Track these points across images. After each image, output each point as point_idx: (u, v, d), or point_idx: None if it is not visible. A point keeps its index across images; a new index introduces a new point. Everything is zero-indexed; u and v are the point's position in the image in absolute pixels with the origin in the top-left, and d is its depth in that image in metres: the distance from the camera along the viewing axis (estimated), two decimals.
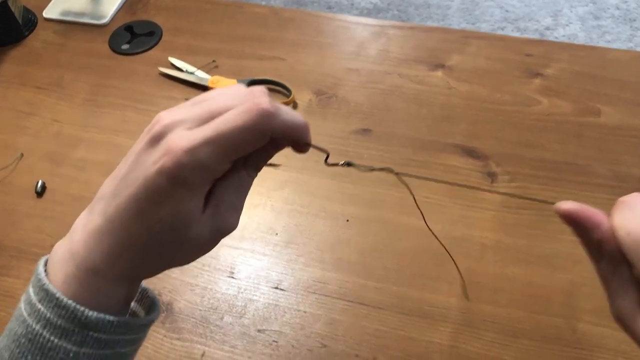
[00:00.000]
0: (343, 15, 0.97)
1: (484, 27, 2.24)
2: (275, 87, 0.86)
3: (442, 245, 0.60)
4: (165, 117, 0.33)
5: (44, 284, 0.34)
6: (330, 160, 0.39)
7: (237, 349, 0.62)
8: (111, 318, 0.34)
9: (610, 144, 0.76)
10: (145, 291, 0.42)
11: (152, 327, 0.65)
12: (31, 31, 1.00)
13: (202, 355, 0.62)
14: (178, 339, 0.64)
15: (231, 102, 0.33)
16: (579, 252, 0.66)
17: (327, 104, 0.84)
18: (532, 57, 0.88)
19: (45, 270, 0.35)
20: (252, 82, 0.86)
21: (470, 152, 0.77)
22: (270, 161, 0.38)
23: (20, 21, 0.98)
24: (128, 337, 0.37)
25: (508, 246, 0.68)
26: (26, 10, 1.01)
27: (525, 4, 2.33)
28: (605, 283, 0.34)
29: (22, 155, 0.82)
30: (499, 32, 2.14)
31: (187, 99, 0.88)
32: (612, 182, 0.72)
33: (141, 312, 0.42)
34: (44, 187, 0.78)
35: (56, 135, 0.84)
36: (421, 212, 0.49)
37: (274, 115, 0.32)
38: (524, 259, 0.67)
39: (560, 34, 2.21)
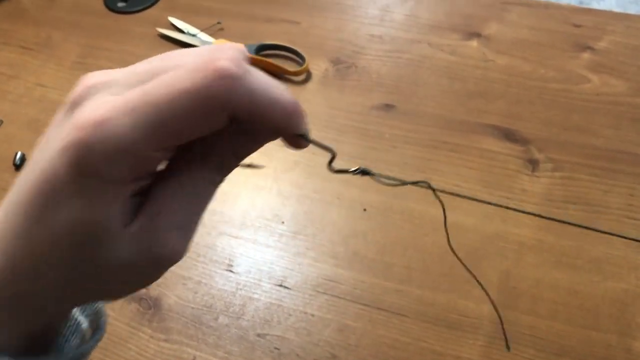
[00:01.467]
0: None
1: None
2: (287, 54, 0.77)
3: (467, 268, 0.51)
4: (91, 76, 0.23)
5: None
6: (336, 165, 0.27)
7: (233, 355, 0.54)
8: None
9: None
10: (98, 310, 0.32)
11: (137, 326, 0.57)
12: None
13: None
14: (166, 340, 0.55)
15: (186, 60, 0.22)
16: (635, 256, 0.57)
17: (346, 75, 0.74)
18: (581, 28, 0.77)
19: None
20: (260, 48, 0.76)
21: (509, 135, 0.67)
22: (247, 160, 0.26)
23: None
24: None
25: (551, 247, 0.58)
26: None
27: None
28: None
29: (1, 122, 0.73)
30: None
31: None
32: None
33: (88, 331, 0.32)
34: (23, 159, 0.69)
35: (40, 101, 0.75)
36: (447, 233, 0.38)
37: (238, 80, 0.21)
38: (569, 263, 0.57)
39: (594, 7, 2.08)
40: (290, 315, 0.56)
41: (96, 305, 0.32)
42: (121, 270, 0.23)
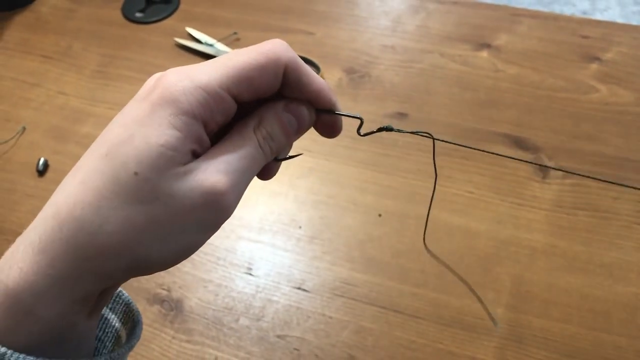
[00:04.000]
0: None
1: (522, 7, 2.12)
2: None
3: (469, 286, 0.52)
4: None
5: None
6: (363, 130, 0.33)
7: (254, 356, 0.55)
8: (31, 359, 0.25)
9: None
10: (129, 308, 0.34)
11: (160, 327, 0.59)
12: None
13: None
14: (188, 341, 0.57)
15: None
16: None
17: (359, 84, 0.76)
18: (589, 40, 0.79)
19: None
20: None
21: (520, 143, 0.69)
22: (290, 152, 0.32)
23: None
24: None
25: (562, 252, 0.60)
26: None
27: None
28: None
29: (24, 129, 0.75)
30: None
31: None
32: None
33: (124, 335, 0.33)
34: (46, 165, 0.71)
35: (61, 109, 0.77)
36: (431, 202, 0.40)
37: (291, 50, 0.28)
38: (580, 267, 0.59)
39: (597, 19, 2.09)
40: (308, 317, 0.57)
41: (133, 312, 0.34)
42: (181, 209, 0.26)
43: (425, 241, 0.61)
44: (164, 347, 0.57)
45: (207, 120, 0.27)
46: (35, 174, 0.70)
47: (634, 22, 2.08)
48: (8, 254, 0.26)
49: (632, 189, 0.64)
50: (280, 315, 0.58)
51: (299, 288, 0.59)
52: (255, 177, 0.30)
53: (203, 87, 0.26)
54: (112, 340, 0.32)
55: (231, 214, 0.28)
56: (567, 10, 2.13)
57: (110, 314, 0.33)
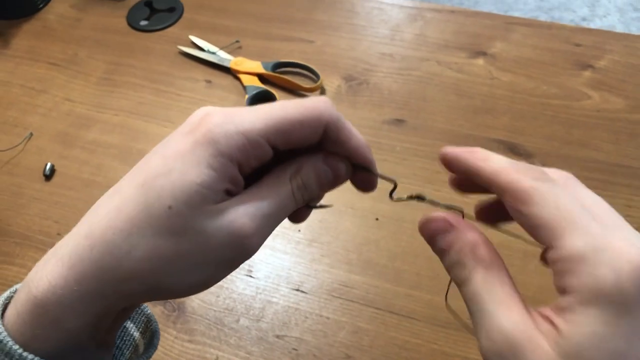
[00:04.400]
0: None
1: (517, 16, 2.14)
2: (302, 71, 0.80)
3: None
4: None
5: None
6: (396, 195, 0.34)
7: (253, 355, 0.57)
8: None
9: None
10: (149, 319, 0.36)
11: (163, 327, 0.60)
12: (46, 3, 0.95)
13: None
14: (190, 341, 0.59)
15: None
16: None
17: (358, 91, 0.78)
18: (582, 47, 0.81)
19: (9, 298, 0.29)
20: (277, 65, 0.80)
21: (513, 149, 0.70)
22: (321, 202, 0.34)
23: None
24: None
25: None
26: None
27: None
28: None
29: (31, 134, 0.77)
30: None
31: (207, 81, 0.82)
32: None
33: (141, 345, 0.35)
34: (52, 169, 0.73)
35: (68, 115, 0.79)
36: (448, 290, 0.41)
37: (334, 108, 0.30)
38: None
39: (597, 25, 2.11)
40: (307, 318, 0.59)
41: (152, 323, 0.36)
42: (207, 246, 0.27)
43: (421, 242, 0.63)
44: (166, 347, 0.58)
45: (243, 163, 0.28)
46: (42, 178, 0.73)
47: (633, 29, 2.10)
48: (40, 265, 0.28)
49: (620, 194, 0.65)
50: (280, 316, 0.60)
51: (297, 290, 0.61)
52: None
53: (244, 132, 0.27)
54: (130, 349, 0.34)
55: (252, 255, 0.29)
56: (567, 17, 2.15)
57: (130, 324, 0.35)
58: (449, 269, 0.30)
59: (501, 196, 0.28)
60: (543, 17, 2.14)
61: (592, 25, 2.12)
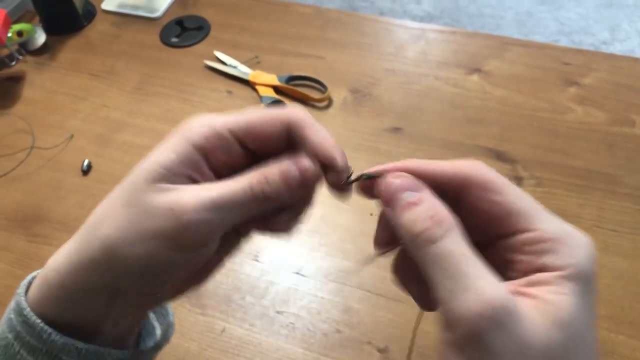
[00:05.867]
0: (385, 17, 0.99)
1: (537, 39, 2.21)
2: (312, 84, 0.89)
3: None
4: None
5: (17, 294, 0.33)
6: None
7: (256, 327, 0.65)
8: (79, 345, 0.31)
9: None
10: (166, 313, 0.40)
11: (179, 301, 0.69)
12: (89, 22, 1.07)
13: (223, 330, 0.65)
14: (201, 314, 0.67)
15: None
16: (601, 259, 0.66)
17: (362, 102, 0.86)
18: (570, 66, 0.88)
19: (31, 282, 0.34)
20: (290, 78, 0.89)
21: (500, 156, 0.78)
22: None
23: (80, 12, 1.04)
24: None
25: None
26: (87, 3, 1.08)
27: (582, 17, 2.29)
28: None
29: (72, 136, 0.87)
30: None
31: (228, 91, 0.91)
32: None
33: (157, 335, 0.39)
34: (89, 166, 0.83)
35: (104, 119, 0.90)
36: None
37: (301, 112, 0.32)
38: None
39: (617, 49, 2.16)
40: (304, 297, 0.67)
41: (169, 318, 0.40)
42: (148, 216, 0.30)
43: None
44: (181, 318, 0.67)
45: (209, 152, 0.31)
46: (80, 173, 0.82)
47: None
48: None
49: (595, 197, 0.72)
50: (280, 295, 0.68)
51: (297, 273, 0.69)
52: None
53: (210, 126, 0.31)
54: (153, 345, 0.38)
55: (195, 239, 0.30)
56: (587, 40, 2.20)
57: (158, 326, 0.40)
58: (414, 222, 0.28)
59: (467, 190, 0.30)
60: (563, 41, 2.20)
61: (611, 49, 2.17)
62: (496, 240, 0.30)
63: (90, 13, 1.08)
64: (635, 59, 0.88)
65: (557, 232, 0.28)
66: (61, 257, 0.32)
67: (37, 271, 0.34)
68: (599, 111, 0.81)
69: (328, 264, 0.70)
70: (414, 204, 0.29)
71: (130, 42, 1.02)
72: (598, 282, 0.28)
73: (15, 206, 0.79)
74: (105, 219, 0.31)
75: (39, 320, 0.31)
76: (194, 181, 0.31)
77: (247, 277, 0.69)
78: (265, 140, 0.32)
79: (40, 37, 1.01)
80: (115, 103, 0.92)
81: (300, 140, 0.32)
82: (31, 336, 0.31)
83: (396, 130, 0.82)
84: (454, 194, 0.30)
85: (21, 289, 0.33)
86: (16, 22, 1.06)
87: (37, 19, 1.08)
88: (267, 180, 0.31)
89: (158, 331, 0.39)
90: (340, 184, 0.33)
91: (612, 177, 0.74)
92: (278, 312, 0.66)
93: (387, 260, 0.69)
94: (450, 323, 0.26)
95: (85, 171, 0.82)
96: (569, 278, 0.26)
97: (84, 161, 0.83)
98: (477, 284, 0.26)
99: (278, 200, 0.31)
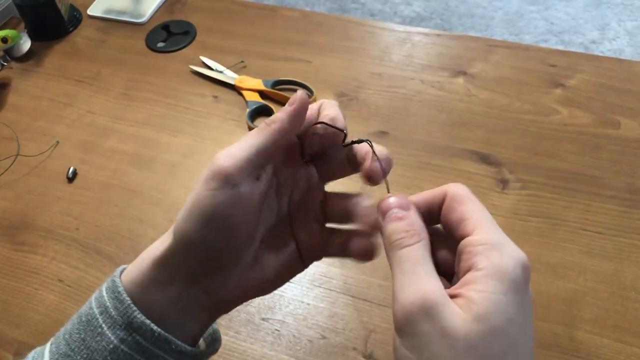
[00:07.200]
0: (371, 20, 0.99)
1: (527, 39, 2.21)
2: (299, 88, 0.89)
3: None
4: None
5: (114, 275, 0.37)
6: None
7: (241, 334, 0.65)
8: (154, 327, 0.35)
9: (627, 157, 0.76)
10: (214, 330, 0.44)
11: None
12: (75, 27, 1.06)
13: None
14: None
15: None
16: (585, 261, 0.66)
17: (348, 106, 0.86)
18: (555, 68, 0.88)
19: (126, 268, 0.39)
20: (276, 82, 0.89)
21: (485, 159, 0.78)
22: None
23: (65, 18, 1.04)
24: (169, 357, 0.37)
25: None
26: (72, 8, 1.07)
27: (572, 17, 2.29)
28: None
29: (57, 142, 0.87)
30: (542, 45, 2.11)
31: (214, 96, 0.91)
32: (626, 194, 0.72)
33: (203, 346, 0.42)
34: (75, 173, 0.82)
35: (90, 126, 0.89)
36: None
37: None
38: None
39: (606, 49, 2.17)
40: (290, 303, 0.67)
41: (216, 333, 0.44)
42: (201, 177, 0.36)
43: None
44: None
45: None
46: (65, 180, 0.82)
47: None
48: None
49: (580, 200, 0.72)
50: (266, 301, 0.67)
51: None
52: None
53: (242, 157, 0.36)
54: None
55: (233, 179, 0.35)
56: (577, 40, 2.20)
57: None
58: (393, 232, 0.34)
59: (444, 202, 0.36)
60: (553, 40, 2.21)
61: (601, 48, 2.17)
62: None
63: (76, 19, 1.07)
64: (620, 60, 0.89)
65: (493, 239, 0.32)
66: (151, 252, 0.37)
67: (125, 265, 0.39)
68: (584, 113, 0.82)
69: (313, 269, 0.69)
70: (399, 218, 0.35)
71: (116, 47, 1.02)
72: (534, 294, 0.31)
73: (0, 214, 0.79)
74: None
75: (128, 299, 0.36)
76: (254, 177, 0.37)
77: None
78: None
79: (26, 44, 1.01)
80: (101, 109, 0.92)
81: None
82: (117, 311, 0.35)
83: (382, 134, 0.82)
84: (438, 210, 0.36)
85: (117, 272, 0.38)
86: (1, 28, 1.06)
87: (22, 25, 1.08)
88: (272, 120, 0.37)
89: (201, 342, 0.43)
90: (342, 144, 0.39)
91: (597, 180, 0.74)
92: (263, 319, 0.66)
93: (372, 266, 0.69)
94: (394, 312, 0.32)
95: (71, 178, 0.82)
96: (492, 277, 0.30)
97: (69, 168, 0.83)
98: (420, 280, 0.31)
99: (284, 130, 0.37)
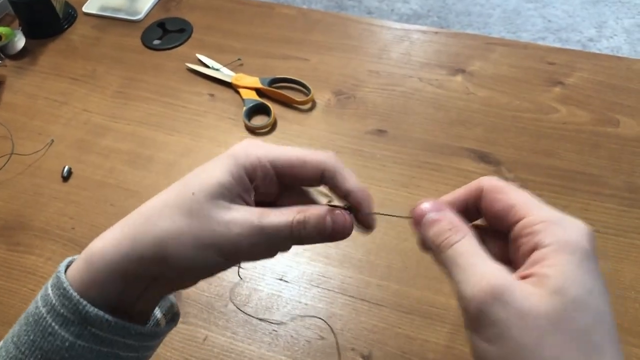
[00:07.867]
0: (368, 18, 0.99)
1: (525, 37, 2.21)
2: (296, 86, 0.88)
3: None
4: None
5: (58, 271, 0.37)
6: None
7: (238, 335, 0.64)
8: (109, 317, 0.35)
9: (627, 155, 0.75)
10: (172, 305, 0.43)
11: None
12: (70, 25, 1.05)
13: (204, 339, 0.64)
14: (183, 322, 0.66)
15: None
16: None
17: (345, 104, 0.86)
18: (554, 66, 0.87)
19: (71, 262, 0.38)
20: (273, 80, 0.88)
21: (484, 157, 0.77)
22: None
23: (60, 15, 1.03)
24: (128, 341, 0.37)
25: None
26: (67, 5, 1.06)
27: (569, 14, 2.29)
28: None
29: (52, 141, 0.86)
30: (540, 42, 2.11)
31: (211, 94, 0.90)
32: (626, 193, 0.72)
33: (163, 322, 0.42)
34: (70, 172, 0.82)
35: (85, 124, 0.88)
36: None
37: (334, 159, 0.38)
38: None
39: (603, 46, 2.16)
40: (287, 304, 0.66)
41: (174, 308, 0.44)
42: (210, 230, 0.34)
43: (394, 239, 0.70)
44: None
45: (253, 179, 0.36)
46: (60, 179, 0.81)
47: (639, 49, 2.14)
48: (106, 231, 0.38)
49: (579, 198, 0.72)
50: (263, 302, 0.67)
51: (280, 279, 0.68)
52: None
53: (259, 157, 0.36)
54: (153, 324, 0.42)
55: (242, 257, 0.36)
56: (574, 37, 2.20)
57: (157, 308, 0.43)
58: (437, 235, 0.34)
59: (482, 197, 0.36)
60: (551, 38, 2.20)
61: (598, 46, 2.17)
62: (509, 232, 0.34)
63: (71, 16, 1.06)
64: (619, 58, 0.88)
65: (548, 216, 0.32)
66: (108, 243, 0.36)
67: (75, 256, 0.38)
68: (583, 111, 0.81)
69: (311, 269, 0.69)
70: (438, 220, 0.35)
71: (112, 45, 1.01)
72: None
73: None
74: (160, 217, 0.35)
75: (76, 294, 0.35)
76: (244, 202, 0.36)
77: (229, 284, 0.69)
78: (301, 180, 0.38)
79: (20, 41, 1.00)
80: (97, 107, 0.91)
81: (333, 183, 0.37)
82: (66, 308, 0.35)
83: (380, 132, 0.81)
84: (475, 205, 0.37)
85: (61, 268, 0.37)
86: None
87: (16, 22, 1.07)
88: (305, 226, 0.35)
89: (159, 315, 0.43)
90: (370, 228, 0.39)
91: (596, 178, 0.74)
92: (261, 320, 0.65)
93: (369, 266, 0.69)
94: (463, 309, 0.31)
95: (66, 177, 0.81)
96: (560, 250, 0.30)
97: (64, 167, 0.82)
98: (481, 269, 0.31)
99: (309, 242, 0.37)
